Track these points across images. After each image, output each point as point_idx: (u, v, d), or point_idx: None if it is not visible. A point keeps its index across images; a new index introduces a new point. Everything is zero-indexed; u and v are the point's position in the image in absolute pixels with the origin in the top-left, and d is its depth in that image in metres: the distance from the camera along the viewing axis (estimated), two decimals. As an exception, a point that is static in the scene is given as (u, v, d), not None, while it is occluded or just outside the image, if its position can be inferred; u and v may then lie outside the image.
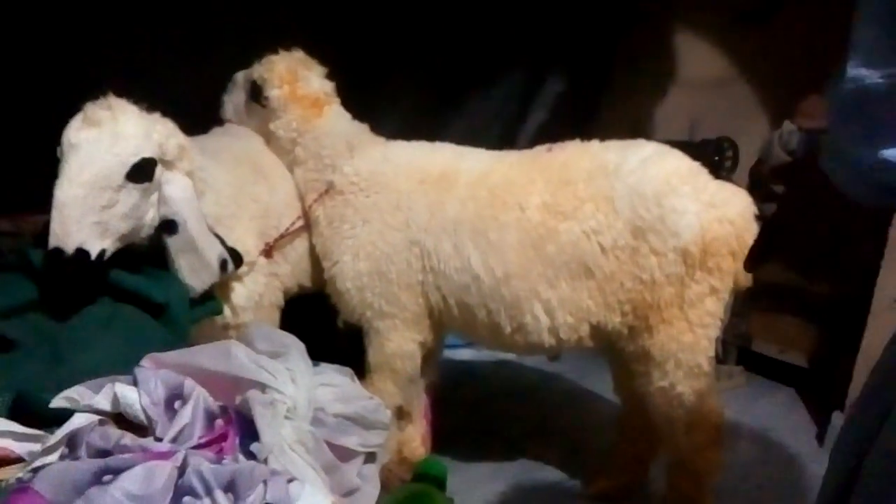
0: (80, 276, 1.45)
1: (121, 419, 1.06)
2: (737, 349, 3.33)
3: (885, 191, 0.93)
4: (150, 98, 1.62)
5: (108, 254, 1.49)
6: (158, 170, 1.58)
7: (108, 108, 1.52)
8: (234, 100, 2.26)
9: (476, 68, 3.07)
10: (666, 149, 1.94)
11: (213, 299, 1.77)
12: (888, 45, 0.85)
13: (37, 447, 1.03)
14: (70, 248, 1.42)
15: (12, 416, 1.14)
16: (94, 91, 1.57)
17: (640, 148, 1.92)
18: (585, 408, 2.96)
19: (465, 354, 3.30)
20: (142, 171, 1.53)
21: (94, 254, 1.45)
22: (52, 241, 1.41)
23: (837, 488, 1.04)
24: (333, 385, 1.16)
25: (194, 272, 1.67)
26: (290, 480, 0.95)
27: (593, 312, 1.91)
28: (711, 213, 1.80)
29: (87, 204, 1.44)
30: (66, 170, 1.46)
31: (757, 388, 3.24)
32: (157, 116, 1.62)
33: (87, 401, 1.05)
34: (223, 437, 1.03)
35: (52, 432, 1.05)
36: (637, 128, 3.44)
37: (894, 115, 0.89)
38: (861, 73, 0.90)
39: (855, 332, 2.63)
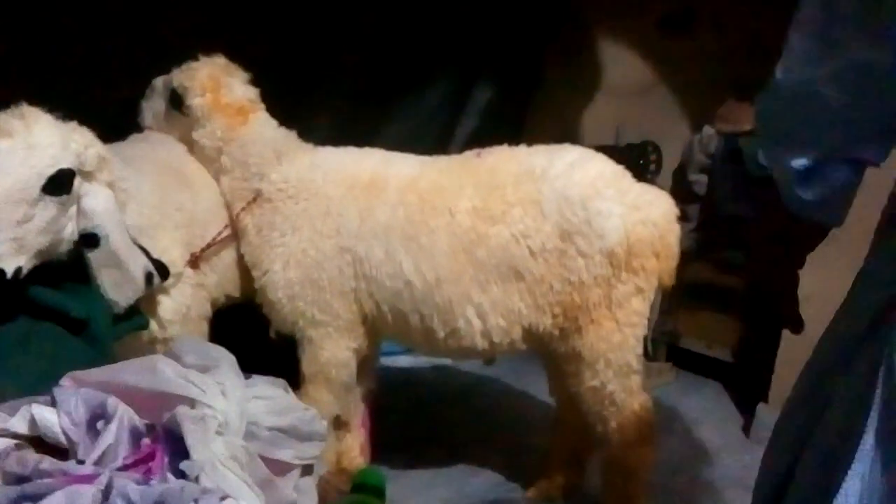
0: None
1: (39, 443, 1.00)
2: (665, 346, 3.43)
3: (800, 204, 0.98)
4: (61, 105, 1.55)
5: (24, 271, 1.42)
6: (77, 181, 1.52)
7: (20, 118, 1.45)
8: (153, 106, 2.20)
9: (406, 74, 3.08)
10: (591, 153, 1.99)
11: (138, 313, 1.71)
12: (810, 52, 0.89)
13: (-54, 476, 0.97)
14: None
15: (-82, 444, 1.07)
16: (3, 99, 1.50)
17: (566, 152, 1.96)
18: (522, 410, 2.99)
19: (402, 361, 3.28)
20: (59, 184, 1.47)
21: (9, 272, 1.39)
22: None
23: (773, 488, 1.08)
24: (266, 397, 1.14)
25: (118, 287, 1.61)
26: (223, 498, 0.92)
27: (524, 315, 1.94)
28: (635, 215, 1.86)
29: (2, 219, 1.38)
30: None
31: (685, 384, 3.33)
32: (73, 125, 1.56)
33: (1, 424, 0.99)
34: (150, 457, 0.99)
35: (-37, 460, 0.99)
36: (565, 133, 3.50)
37: (806, 120, 0.93)
38: (781, 77, 0.94)
39: (775, 327, 2.75)
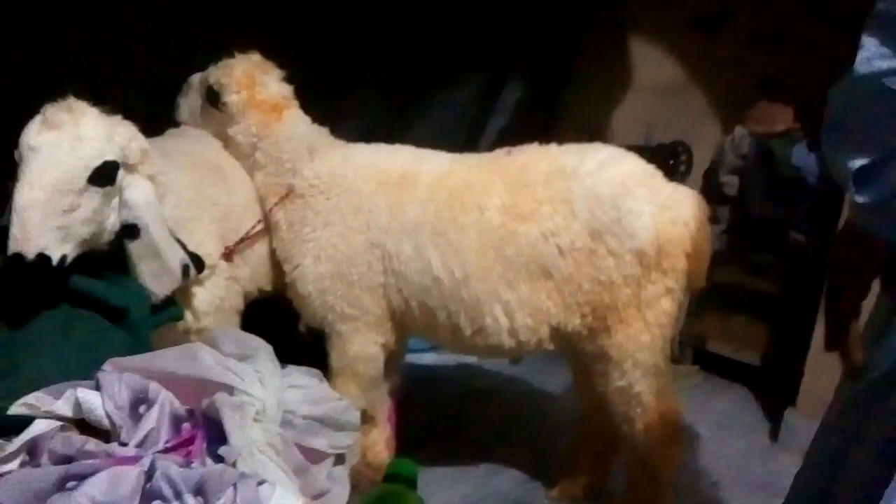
0: (40, 282, 1.41)
1: (83, 425, 1.03)
2: (692, 349, 3.41)
3: (855, 210, 0.96)
4: (104, 100, 1.59)
5: (68, 259, 1.46)
6: (120, 173, 1.55)
7: (68, 111, 1.48)
8: (189, 103, 2.23)
9: (437, 73, 3.09)
10: (622, 152, 1.98)
11: (174, 304, 1.74)
12: (883, 49, 0.88)
13: (-6, 456, 1.01)
14: (31, 253, 1.38)
15: (-34, 426, 1.11)
16: (48, 93, 1.54)
17: (596, 151, 1.95)
18: (547, 409, 2.99)
19: (428, 359, 3.30)
20: (104, 175, 1.50)
21: (55, 259, 1.42)
22: (13, 247, 1.37)
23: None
24: (302, 387, 1.16)
25: (156, 278, 1.64)
26: (259, 483, 0.94)
27: (552, 314, 1.93)
28: (666, 214, 1.85)
29: (49, 208, 1.41)
30: (26, 173, 1.42)
31: (712, 387, 3.31)
32: (118, 119, 1.59)
33: (47, 406, 1.02)
34: (190, 441, 1.02)
35: (9, 441, 1.03)
36: (595, 132, 3.49)
37: (873, 117, 0.92)
38: (854, 73, 0.93)
39: (805, 331, 2.72)
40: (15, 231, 1.37)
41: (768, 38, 3.22)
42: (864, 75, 0.91)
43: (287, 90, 2.18)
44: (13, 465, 0.97)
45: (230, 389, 1.07)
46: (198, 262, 1.76)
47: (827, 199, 2.81)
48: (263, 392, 1.09)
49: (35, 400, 1.03)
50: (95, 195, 1.49)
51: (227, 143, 2.16)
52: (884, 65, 0.88)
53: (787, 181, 3.02)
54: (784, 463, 2.64)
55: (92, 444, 0.97)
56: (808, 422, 2.63)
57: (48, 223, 1.40)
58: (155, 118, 2.12)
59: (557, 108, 3.73)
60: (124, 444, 0.99)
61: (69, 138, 1.46)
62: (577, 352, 2.03)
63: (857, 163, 0.94)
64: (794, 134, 3.06)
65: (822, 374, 2.64)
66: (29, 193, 1.39)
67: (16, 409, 1.03)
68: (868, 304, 1.18)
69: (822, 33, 2.95)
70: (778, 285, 3.16)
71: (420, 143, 2.21)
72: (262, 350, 1.18)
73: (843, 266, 1.11)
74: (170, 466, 0.91)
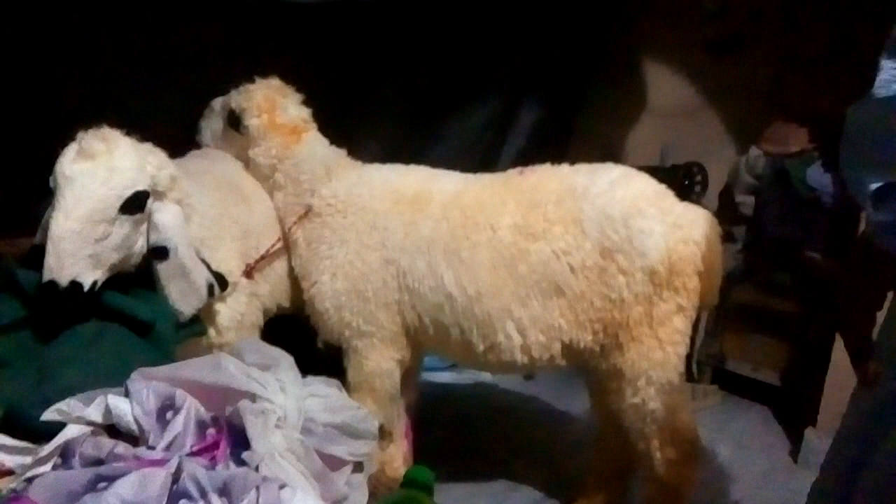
0: (72, 308, 1.46)
1: (113, 430, 1.07)
2: (711, 368, 3.40)
3: (875, 228, 0.98)
4: (126, 120, 1.63)
5: (98, 284, 1.51)
6: (150, 200, 1.61)
7: (102, 140, 1.53)
8: (211, 126, 2.30)
9: (454, 96, 3.14)
10: (633, 172, 2.01)
11: (197, 320, 1.79)
12: None
13: (27, 459, 1.05)
14: (64, 281, 1.43)
15: (0, 432, 1.15)
16: (72, 115, 1.58)
17: (607, 171, 1.98)
18: (563, 427, 2.99)
19: (444, 377, 3.32)
20: (135, 204, 1.56)
21: (86, 286, 1.47)
22: (47, 275, 1.42)
23: None
24: (322, 395, 1.19)
25: (184, 297, 1.69)
26: (281, 487, 0.98)
27: (565, 331, 1.95)
28: (677, 233, 1.86)
29: (82, 238, 1.46)
30: (61, 203, 1.46)
31: (731, 407, 3.29)
32: (149, 147, 1.64)
33: (78, 413, 1.07)
34: (215, 446, 1.05)
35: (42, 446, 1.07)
36: (610, 154, 3.53)
37: (890, 138, 0.94)
38: (873, 93, 0.96)
39: (824, 350, 2.71)
40: (50, 260, 1.42)
41: (783, 59, 3.25)
42: (883, 98, 0.93)
43: (306, 113, 2.24)
44: (47, 467, 1.01)
45: (253, 397, 1.11)
46: (221, 280, 1.81)
47: (842, 218, 2.81)
48: (285, 400, 1.12)
49: (67, 406, 1.08)
50: (126, 223, 1.55)
51: (248, 164, 2.22)
52: None
53: (802, 201, 3.02)
54: (805, 482, 2.56)
55: (121, 447, 1.01)
56: (828, 440, 2.61)
57: (81, 252, 1.45)
58: (178, 141, 2.19)
59: (573, 131, 3.77)
60: (152, 448, 1.03)
61: (103, 169, 1.50)
62: (591, 369, 2.04)
63: (875, 182, 0.96)
64: (809, 154, 3.07)
65: (841, 392, 2.60)
66: (64, 224, 1.44)
67: (49, 415, 1.07)
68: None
69: (836, 55, 2.98)
70: (795, 304, 3.15)
71: (437, 164, 2.25)
72: (284, 360, 1.22)
73: (858, 280, 1.13)
74: (196, 468, 0.95)
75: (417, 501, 1.06)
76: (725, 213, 3.20)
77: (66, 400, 1.08)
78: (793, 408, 3.07)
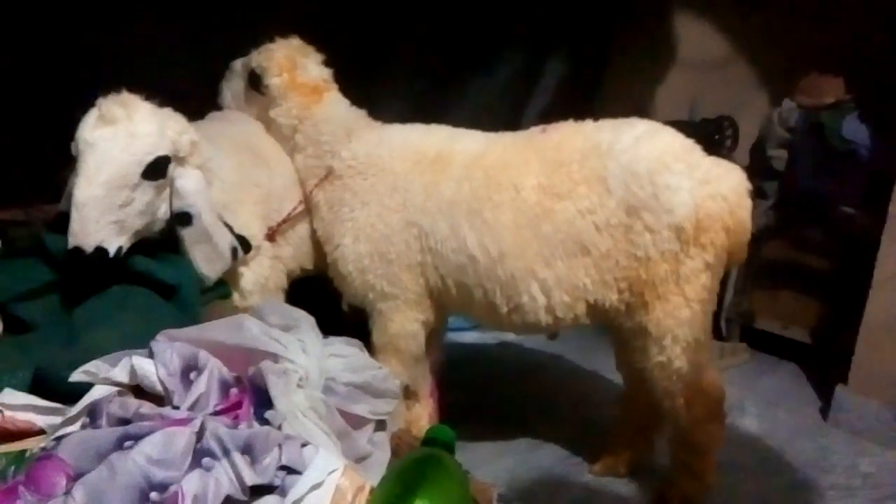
0: (98, 273, 1.48)
1: (138, 391, 1.09)
2: (740, 326, 3.37)
3: None
4: (146, 85, 1.62)
5: (124, 250, 1.52)
6: (171, 166, 1.60)
7: (122, 106, 1.52)
8: (232, 87, 2.29)
9: (477, 53, 3.09)
10: (659, 126, 1.96)
11: (222, 283, 1.80)
12: None
13: (57, 419, 1.07)
14: (89, 247, 1.44)
15: (31, 393, 1.18)
16: (95, 81, 1.58)
17: (632, 127, 1.93)
18: (588, 386, 3.00)
19: (469, 337, 3.33)
20: (156, 169, 1.55)
21: (112, 251, 1.48)
22: (72, 241, 1.44)
23: None
24: (343, 355, 1.20)
25: (209, 261, 1.70)
26: (303, 445, 0.99)
27: (590, 290, 1.93)
28: (705, 189, 1.83)
29: (106, 203, 1.46)
30: (83, 169, 1.47)
31: (761, 365, 3.28)
32: (169, 112, 1.63)
33: (105, 374, 1.08)
34: (238, 405, 1.06)
35: (70, 406, 1.09)
36: (638, 108, 3.46)
37: None
38: None
39: (856, 307, 2.66)
40: (74, 226, 1.43)
41: (816, 9, 3.13)
42: None
43: (326, 73, 2.22)
44: (75, 426, 1.03)
45: (275, 357, 1.12)
46: (244, 243, 1.81)
47: (879, 171, 2.73)
48: (306, 360, 1.13)
49: (94, 368, 1.09)
50: (149, 189, 1.55)
51: (269, 125, 2.21)
52: None
53: (837, 154, 2.94)
54: (834, 440, 2.60)
55: (147, 407, 1.02)
56: (859, 398, 2.60)
57: (105, 218, 1.46)
58: (198, 103, 2.19)
59: (600, 87, 3.70)
60: (176, 408, 1.04)
61: (124, 134, 1.50)
62: (616, 328, 2.03)
63: None
64: (845, 105, 2.97)
65: (874, 350, 2.58)
66: (87, 189, 1.45)
67: (76, 376, 1.09)
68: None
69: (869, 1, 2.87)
70: (827, 260, 3.09)
71: (460, 123, 2.22)
72: (305, 321, 1.22)
73: None
74: (219, 427, 0.96)
75: (438, 459, 1.06)
76: (756, 168, 3.14)
77: (93, 362, 1.10)
78: (823, 365, 3.04)
